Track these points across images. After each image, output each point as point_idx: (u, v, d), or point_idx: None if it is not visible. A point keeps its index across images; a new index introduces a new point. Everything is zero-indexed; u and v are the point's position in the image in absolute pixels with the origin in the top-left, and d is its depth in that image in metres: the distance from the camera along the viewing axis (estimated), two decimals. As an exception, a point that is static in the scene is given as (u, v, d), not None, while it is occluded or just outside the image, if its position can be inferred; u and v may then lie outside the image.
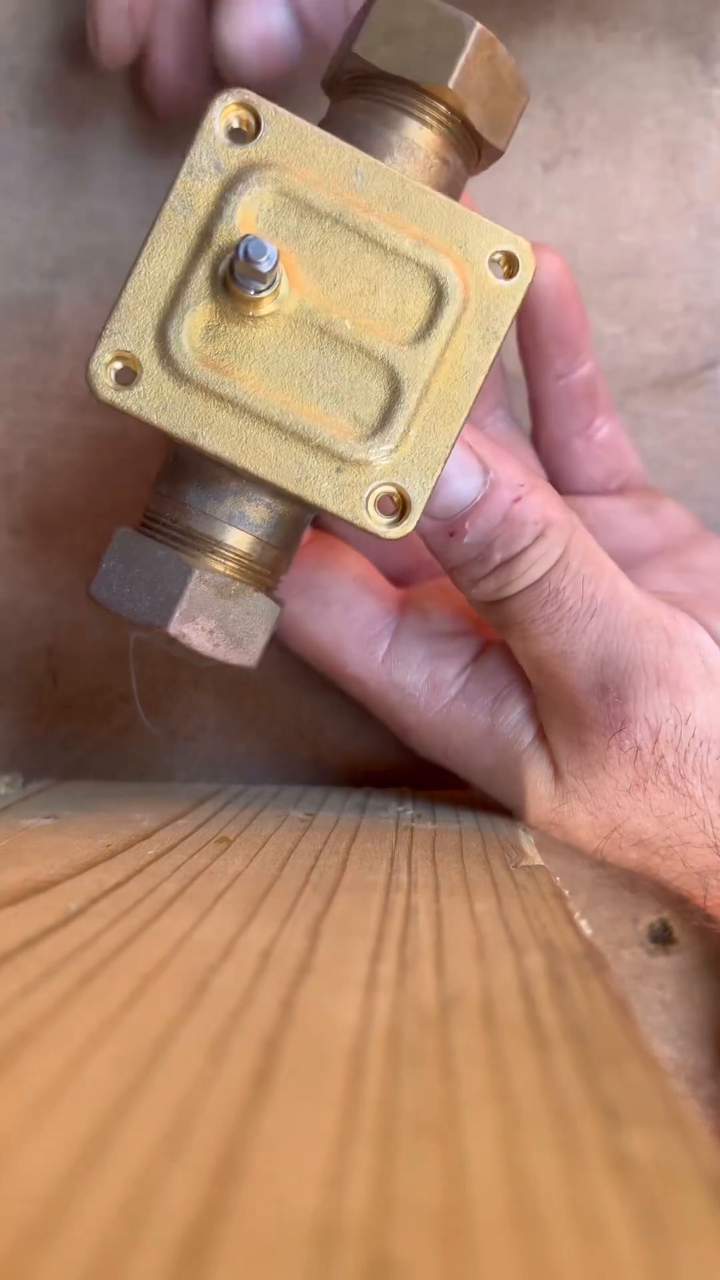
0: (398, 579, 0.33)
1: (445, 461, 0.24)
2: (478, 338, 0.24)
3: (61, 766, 0.35)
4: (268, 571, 0.26)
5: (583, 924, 0.20)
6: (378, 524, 0.24)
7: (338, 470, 0.24)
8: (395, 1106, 0.12)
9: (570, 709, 0.27)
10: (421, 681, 0.30)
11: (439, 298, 0.24)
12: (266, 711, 0.35)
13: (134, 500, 0.34)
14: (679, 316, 0.36)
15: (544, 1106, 0.12)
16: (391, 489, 0.24)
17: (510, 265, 0.24)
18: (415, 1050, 0.14)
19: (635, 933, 0.36)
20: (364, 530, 0.24)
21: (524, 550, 0.26)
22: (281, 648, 0.31)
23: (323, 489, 0.24)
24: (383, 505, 0.24)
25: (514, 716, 0.29)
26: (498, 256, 0.24)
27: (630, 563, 0.32)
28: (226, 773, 0.36)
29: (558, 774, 0.28)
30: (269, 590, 0.26)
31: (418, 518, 0.24)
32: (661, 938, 0.36)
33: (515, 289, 0.24)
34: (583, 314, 0.32)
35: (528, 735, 0.29)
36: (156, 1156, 0.11)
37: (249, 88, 0.23)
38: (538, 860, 0.25)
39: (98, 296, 0.34)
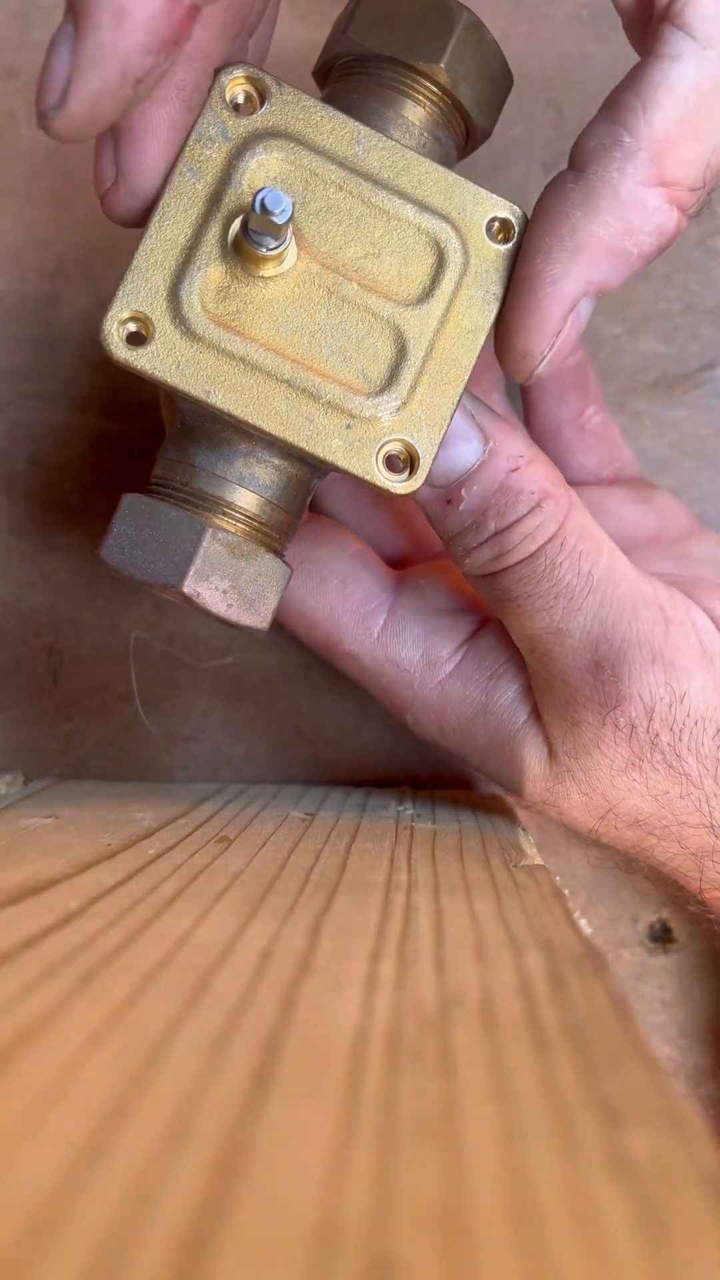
0: (394, 563, 0.33)
1: (451, 417, 0.25)
2: (478, 299, 0.25)
3: (61, 766, 0.35)
4: (276, 535, 0.26)
5: (582, 923, 0.20)
6: (387, 480, 0.24)
7: (348, 427, 0.24)
8: (395, 1106, 0.12)
9: (564, 687, 0.27)
10: (416, 658, 0.30)
11: (440, 261, 0.24)
12: (266, 712, 0.36)
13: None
14: (679, 316, 0.36)
15: (544, 1106, 0.12)
16: (400, 445, 0.24)
17: (506, 231, 0.25)
18: (415, 1050, 0.14)
19: (635, 932, 0.36)
20: (374, 486, 0.24)
21: (519, 520, 0.26)
22: (277, 628, 0.31)
23: (334, 445, 0.24)
24: (391, 461, 0.24)
25: (508, 695, 0.29)
26: (494, 222, 0.25)
27: (625, 549, 0.33)
28: (226, 773, 0.36)
29: (552, 753, 0.28)
30: (277, 554, 0.26)
31: (426, 473, 0.24)
32: (661, 937, 0.36)
33: (512, 253, 0.25)
34: None
35: (522, 714, 0.29)
36: (157, 1155, 0.11)
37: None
38: (537, 860, 0.25)
39: (98, 296, 0.34)
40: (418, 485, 0.24)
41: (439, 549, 0.33)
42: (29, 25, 0.34)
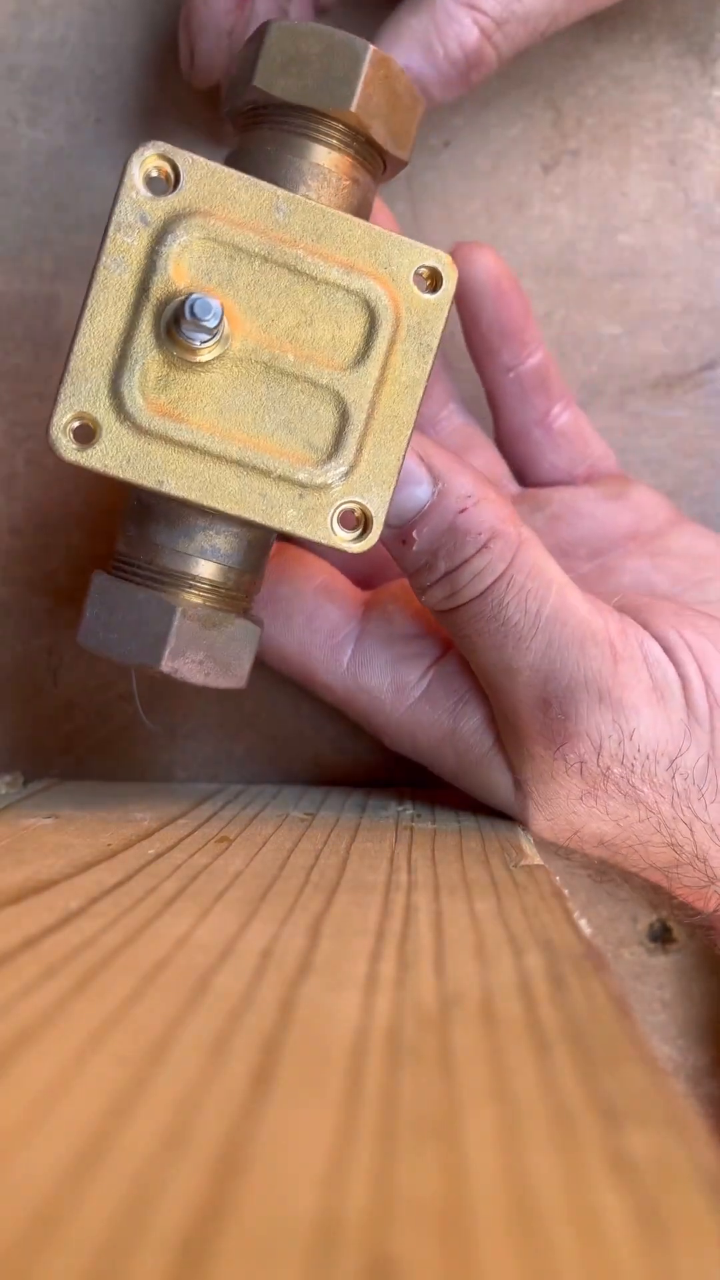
0: (367, 579, 0.33)
1: (399, 473, 0.25)
2: (414, 353, 0.25)
3: (61, 766, 0.35)
4: (242, 595, 0.27)
5: (582, 923, 0.20)
6: (344, 541, 0.25)
7: (300, 496, 0.24)
8: (395, 1106, 0.12)
9: (517, 721, 0.28)
10: (386, 684, 0.30)
11: (372, 321, 0.24)
12: (266, 711, 0.36)
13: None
14: (678, 316, 0.36)
15: (543, 1106, 0.12)
16: (353, 505, 0.25)
17: (434, 279, 0.25)
18: (415, 1049, 0.14)
19: (635, 932, 0.36)
20: (332, 548, 0.25)
21: (467, 561, 0.26)
22: (258, 663, 0.31)
23: (289, 516, 0.24)
24: (345, 521, 0.25)
25: (474, 721, 0.29)
26: (422, 271, 0.25)
27: (601, 549, 0.33)
28: (226, 772, 0.36)
29: (516, 780, 0.29)
30: (245, 611, 0.27)
31: (380, 529, 0.25)
32: (661, 937, 0.36)
33: (441, 301, 0.25)
34: (524, 305, 0.32)
35: (487, 740, 0.29)
36: (157, 1155, 0.11)
37: None
38: (537, 860, 0.25)
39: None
40: (373, 542, 0.25)
41: None
42: (29, 25, 0.34)
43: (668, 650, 0.27)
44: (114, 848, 0.24)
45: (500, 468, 0.34)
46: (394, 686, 0.30)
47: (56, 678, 0.35)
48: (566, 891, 0.22)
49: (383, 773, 0.36)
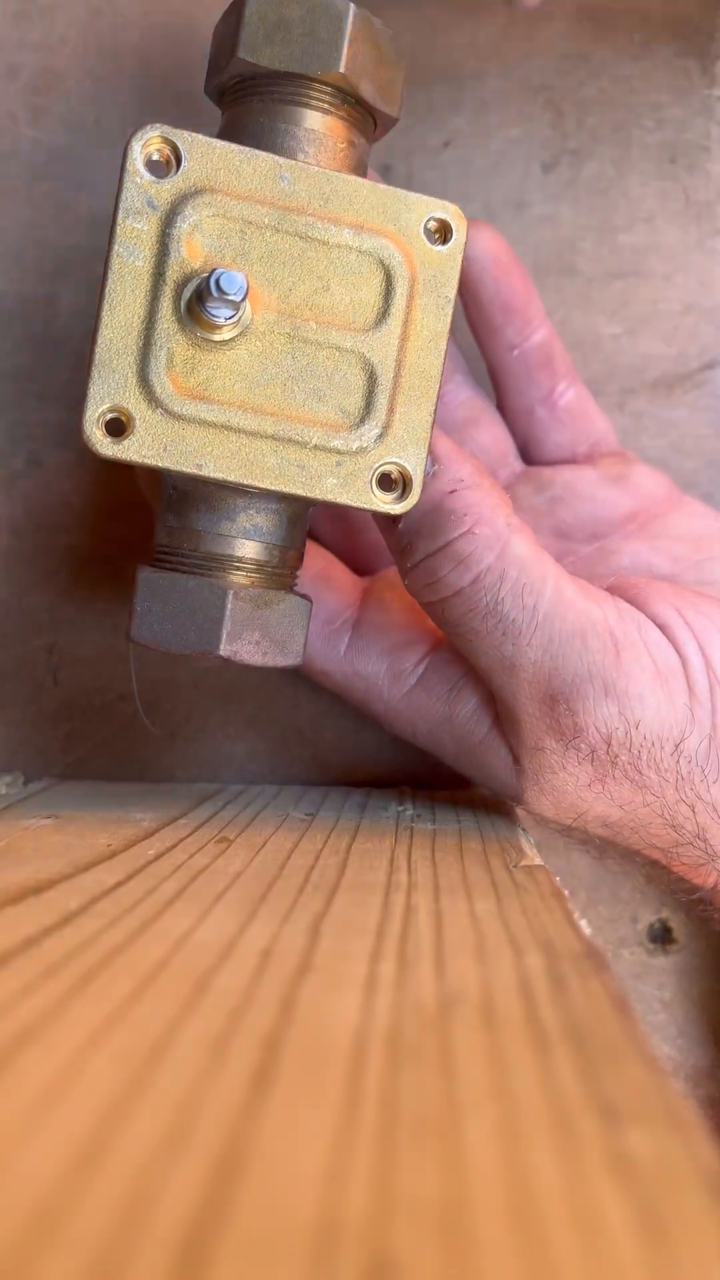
0: (367, 565, 0.33)
1: (432, 427, 0.25)
2: (433, 306, 0.25)
3: (61, 766, 0.35)
4: (288, 571, 0.27)
5: (582, 923, 0.20)
6: (385, 503, 0.25)
7: (338, 464, 0.24)
8: (395, 1105, 0.12)
9: (524, 717, 0.28)
10: (382, 672, 0.30)
11: (388, 279, 0.25)
12: (266, 711, 0.35)
13: (133, 501, 0.34)
14: (679, 316, 0.36)
15: (543, 1106, 0.12)
16: (391, 466, 0.25)
17: (443, 231, 0.25)
18: (415, 1049, 0.14)
19: (635, 932, 0.36)
20: (374, 512, 0.25)
21: (448, 544, 0.26)
22: None
23: (329, 485, 0.24)
24: (385, 484, 0.25)
25: (469, 707, 0.29)
26: (431, 224, 0.25)
27: (601, 532, 0.33)
28: (227, 773, 0.36)
29: (518, 766, 0.29)
30: (292, 588, 0.27)
31: (420, 487, 0.25)
32: (661, 937, 0.36)
33: (453, 251, 0.25)
34: (526, 282, 0.32)
35: (484, 726, 0.29)
36: (157, 1155, 0.11)
37: None
38: (537, 860, 0.25)
39: (97, 297, 0.34)
40: (415, 500, 0.25)
41: None
42: (29, 25, 0.34)
43: (666, 631, 0.27)
44: (114, 848, 0.24)
45: (506, 443, 0.34)
46: (390, 673, 0.30)
47: (56, 678, 0.35)
48: (566, 892, 0.22)
49: (383, 773, 0.36)
